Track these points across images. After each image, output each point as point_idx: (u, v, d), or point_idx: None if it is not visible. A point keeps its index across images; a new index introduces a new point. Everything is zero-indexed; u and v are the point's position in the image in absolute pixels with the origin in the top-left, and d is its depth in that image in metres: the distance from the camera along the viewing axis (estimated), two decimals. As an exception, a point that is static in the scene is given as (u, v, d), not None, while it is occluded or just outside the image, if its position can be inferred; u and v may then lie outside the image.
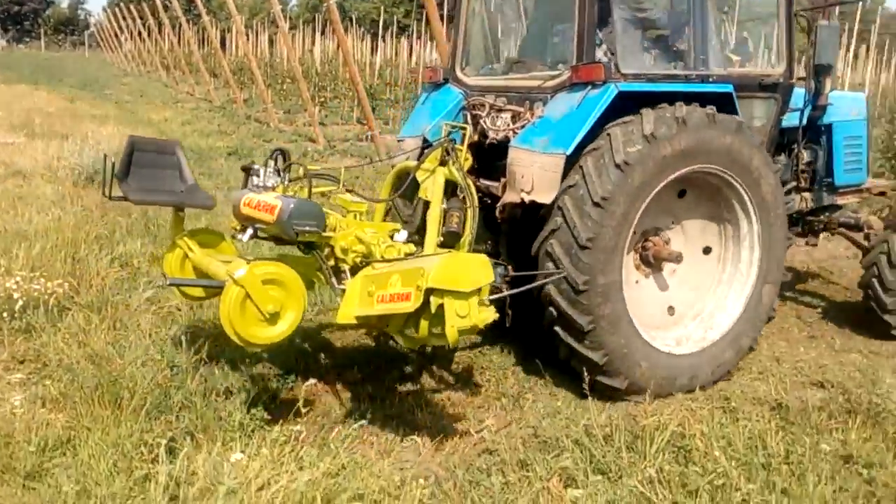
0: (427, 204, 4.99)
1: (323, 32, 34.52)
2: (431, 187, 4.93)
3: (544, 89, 5.00)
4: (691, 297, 5.26)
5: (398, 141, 6.00)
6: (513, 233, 5.32)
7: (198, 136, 17.66)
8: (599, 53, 4.82)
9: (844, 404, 4.64)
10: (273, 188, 4.57)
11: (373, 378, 5.11)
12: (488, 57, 6.10)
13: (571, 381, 5.09)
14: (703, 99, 4.75)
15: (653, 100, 4.63)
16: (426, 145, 5.53)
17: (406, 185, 5.11)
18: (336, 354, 5.40)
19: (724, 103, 4.87)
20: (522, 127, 4.95)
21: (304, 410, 4.54)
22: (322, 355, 5.41)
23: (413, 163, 5.31)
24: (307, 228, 4.04)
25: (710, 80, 5.04)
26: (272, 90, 24.32)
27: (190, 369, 4.89)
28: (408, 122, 6.05)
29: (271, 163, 4.65)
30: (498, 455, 4.09)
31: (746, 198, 5.00)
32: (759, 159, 4.94)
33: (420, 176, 5.07)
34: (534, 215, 4.80)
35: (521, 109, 5.08)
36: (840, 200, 6.41)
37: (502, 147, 5.02)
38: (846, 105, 6.29)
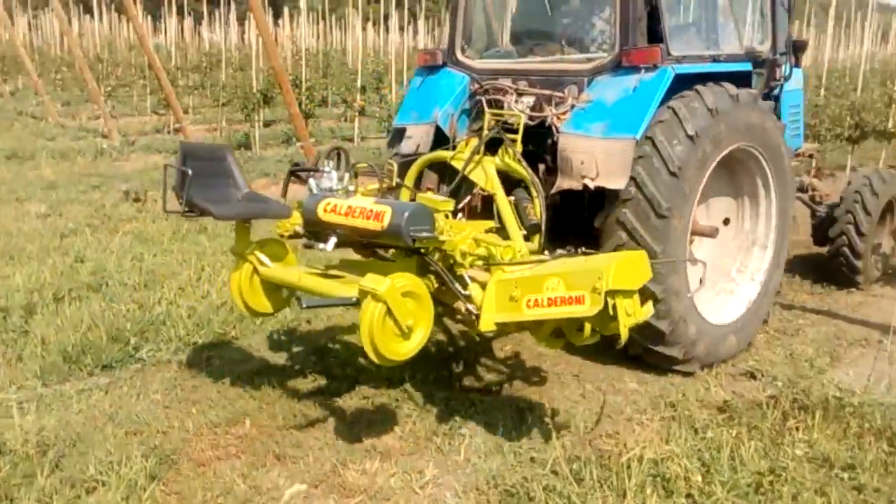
0: (460, 194, 4.88)
1: (90, 13, 31.15)
2: (488, 180, 4.75)
3: (577, 72, 4.90)
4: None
5: (397, 129, 5.47)
6: (555, 218, 4.99)
7: (-39, 137, 15.12)
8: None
9: (796, 399, 4.35)
10: (353, 191, 4.27)
11: (265, 432, 4.19)
12: (493, 39, 5.85)
13: (504, 406, 4.48)
14: (729, 77, 4.89)
15: (695, 81, 4.70)
16: (439, 133, 5.22)
17: (458, 179, 4.90)
18: (204, 412, 4.41)
19: (742, 80, 5.06)
20: (565, 112, 4.77)
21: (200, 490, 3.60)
22: (195, 410, 4.39)
23: (448, 153, 5.01)
24: (424, 234, 3.74)
25: (725, 59, 5.19)
26: (44, 80, 21.49)
27: (33, 453, 3.74)
28: (403, 109, 5.55)
29: (329, 163, 4.25)
30: (465, 521, 3.37)
31: (771, 180, 5.22)
32: (783, 142, 5.23)
33: (462, 166, 4.85)
34: (575, 200, 4.80)
35: (560, 94, 4.85)
36: None
37: (531, 132, 4.88)
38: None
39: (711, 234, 5.09)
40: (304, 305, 3.75)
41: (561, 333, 3.73)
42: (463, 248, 4.01)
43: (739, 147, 4.89)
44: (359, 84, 14.61)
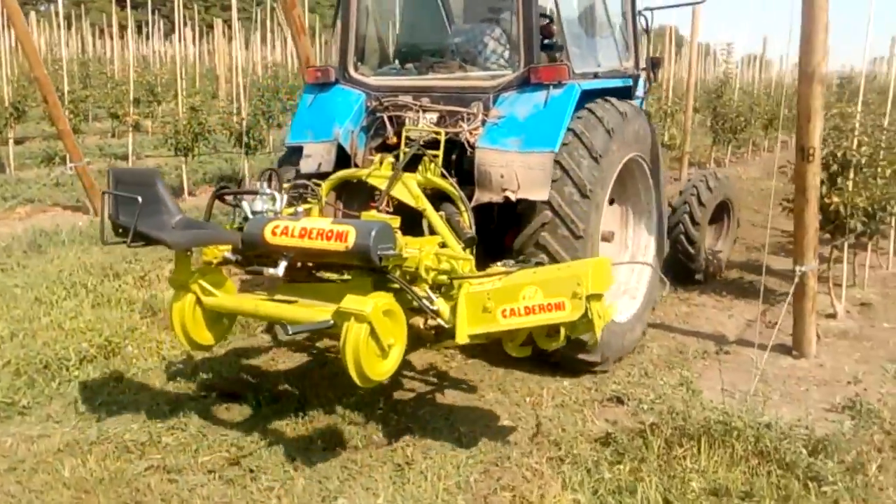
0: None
1: None
2: (415, 197, 4.70)
3: (481, 89, 4.99)
4: None
5: (292, 148, 5.33)
6: None
7: None
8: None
9: (677, 426, 4.21)
10: (302, 212, 4.26)
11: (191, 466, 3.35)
12: (386, 56, 5.83)
13: (379, 463, 3.94)
14: (613, 92, 5.15)
15: (590, 97, 4.89)
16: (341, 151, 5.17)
17: (383, 196, 4.78)
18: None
19: (623, 94, 5.37)
20: (476, 128, 4.85)
21: None
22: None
23: (363, 171, 4.93)
24: (390, 252, 3.63)
25: (611, 75, 5.45)
26: None
27: None
28: (296, 127, 5.39)
29: (264, 184, 4.17)
30: None
31: (651, 184, 5.59)
32: (659, 147, 5.63)
33: (380, 184, 4.78)
34: (484, 213, 4.85)
35: (470, 110, 4.93)
36: None
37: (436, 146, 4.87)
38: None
39: (608, 238, 5.34)
40: (290, 332, 3.51)
41: (528, 341, 3.84)
42: (427, 264, 3.99)
43: (631, 158, 5.20)
44: (131, 97, 13.20)
